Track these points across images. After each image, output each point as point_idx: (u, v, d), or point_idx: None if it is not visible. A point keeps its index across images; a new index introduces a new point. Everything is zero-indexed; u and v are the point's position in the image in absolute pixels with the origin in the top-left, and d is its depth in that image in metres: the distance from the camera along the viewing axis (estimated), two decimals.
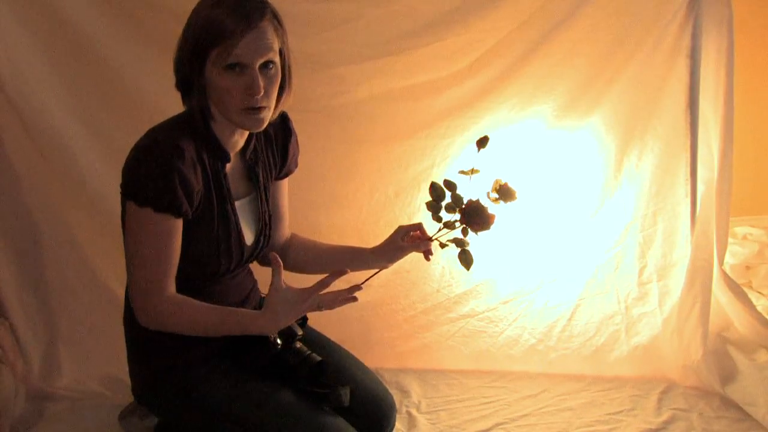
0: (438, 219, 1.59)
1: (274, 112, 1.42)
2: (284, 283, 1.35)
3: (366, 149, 2.09)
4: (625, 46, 1.98)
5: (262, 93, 1.32)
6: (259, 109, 1.34)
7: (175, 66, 1.37)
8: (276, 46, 1.34)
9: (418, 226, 1.61)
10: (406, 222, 2.07)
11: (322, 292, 1.34)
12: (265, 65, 1.33)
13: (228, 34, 1.28)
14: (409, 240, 1.59)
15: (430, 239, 1.60)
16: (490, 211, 1.55)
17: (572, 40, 1.98)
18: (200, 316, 1.38)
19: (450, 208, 1.59)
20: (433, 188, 1.60)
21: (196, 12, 1.34)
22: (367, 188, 2.11)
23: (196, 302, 1.38)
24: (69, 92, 1.93)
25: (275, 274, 1.34)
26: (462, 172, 1.59)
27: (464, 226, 1.56)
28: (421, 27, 1.97)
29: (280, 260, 1.35)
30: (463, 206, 1.56)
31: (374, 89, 2.02)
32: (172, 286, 1.38)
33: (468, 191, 1.58)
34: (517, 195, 1.57)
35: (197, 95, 1.36)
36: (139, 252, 1.35)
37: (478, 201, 1.55)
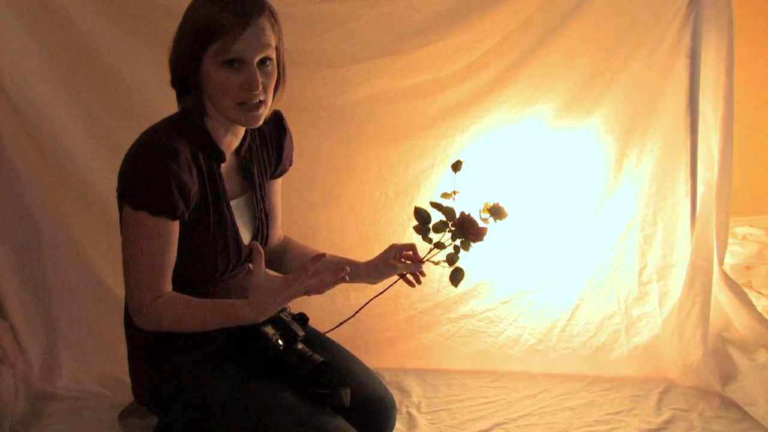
0: (428, 240, 1.64)
1: (269, 109, 1.42)
2: (265, 271, 1.33)
3: (366, 149, 2.09)
4: (625, 46, 1.98)
5: (260, 89, 1.33)
6: (257, 105, 1.36)
7: (171, 64, 1.38)
8: (273, 43, 1.36)
9: (411, 247, 1.64)
10: (405, 222, 2.10)
11: (306, 280, 1.30)
12: (263, 62, 1.35)
13: (227, 29, 1.29)
14: (402, 260, 1.62)
15: (422, 261, 1.63)
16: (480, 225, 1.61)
17: (572, 40, 1.98)
18: (191, 311, 1.37)
19: (437, 229, 1.63)
20: (418, 213, 1.65)
21: (192, 9, 1.35)
22: (367, 188, 2.12)
23: (188, 298, 1.38)
24: (69, 92, 1.93)
25: (256, 263, 1.33)
26: (444, 194, 1.64)
27: (461, 239, 1.60)
28: (421, 27, 1.97)
29: (261, 249, 1.34)
30: (456, 219, 1.60)
31: (374, 89, 2.03)
32: (167, 287, 1.37)
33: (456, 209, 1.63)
34: (507, 214, 1.63)
35: (193, 93, 1.37)
36: (134, 255, 1.35)
37: (469, 214, 1.61)
